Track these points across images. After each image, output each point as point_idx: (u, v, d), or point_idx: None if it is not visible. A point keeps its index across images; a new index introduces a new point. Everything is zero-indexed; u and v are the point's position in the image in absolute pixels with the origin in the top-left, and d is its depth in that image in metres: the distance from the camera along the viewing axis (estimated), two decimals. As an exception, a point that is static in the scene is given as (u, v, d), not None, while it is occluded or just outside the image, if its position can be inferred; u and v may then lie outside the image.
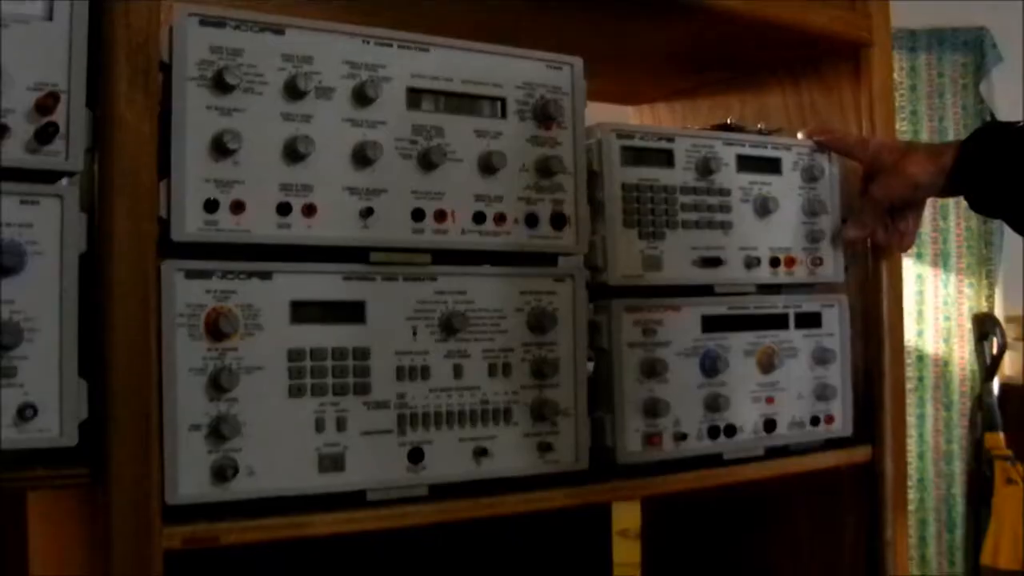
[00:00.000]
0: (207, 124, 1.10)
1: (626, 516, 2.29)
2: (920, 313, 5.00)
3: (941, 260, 4.98)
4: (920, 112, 4.99)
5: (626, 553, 2.28)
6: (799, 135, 1.62)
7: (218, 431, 1.09)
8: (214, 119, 1.11)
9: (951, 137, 5.00)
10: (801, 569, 1.79)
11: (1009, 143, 1.43)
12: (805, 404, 1.55)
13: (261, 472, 1.12)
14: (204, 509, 1.09)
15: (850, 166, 1.65)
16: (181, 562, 1.07)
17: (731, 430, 1.47)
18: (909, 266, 4.81)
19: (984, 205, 1.50)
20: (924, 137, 4.96)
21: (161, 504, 1.05)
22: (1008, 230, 4.74)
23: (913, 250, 4.88)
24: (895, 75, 4.87)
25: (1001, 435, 4.09)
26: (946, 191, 1.51)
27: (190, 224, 1.09)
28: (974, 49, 5.02)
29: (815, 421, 1.57)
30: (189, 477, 1.08)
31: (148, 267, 1.05)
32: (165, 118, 1.08)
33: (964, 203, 4.68)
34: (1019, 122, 1.45)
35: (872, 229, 1.60)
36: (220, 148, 1.10)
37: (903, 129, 4.87)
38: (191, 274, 1.09)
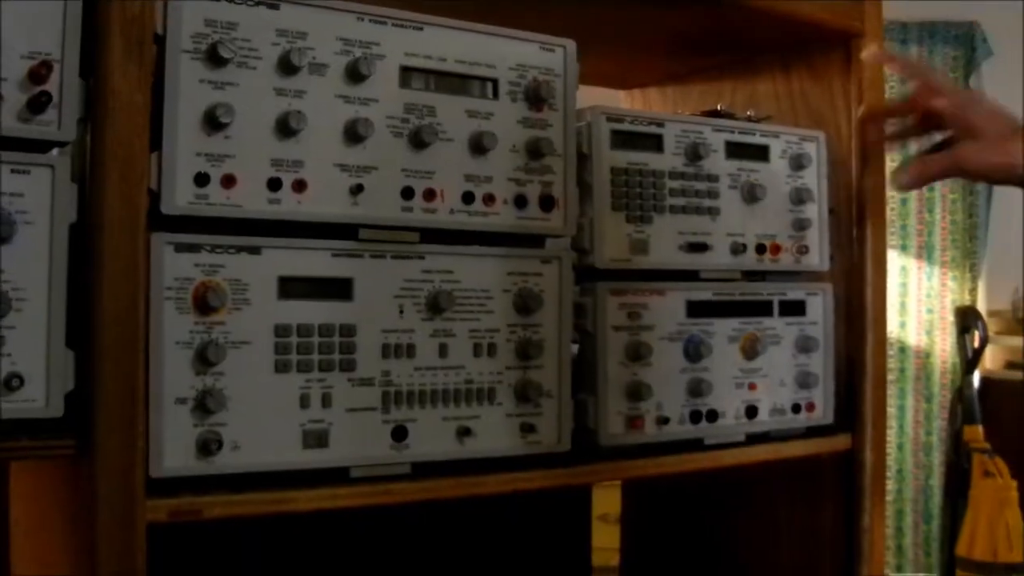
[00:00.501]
0: (200, 97, 1.10)
1: (606, 501, 2.30)
2: (903, 305, 5.02)
3: (926, 253, 5.00)
4: (909, 105, 5.00)
5: (606, 538, 2.29)
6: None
7: (204, 405, 1.10)
8: (207, 92, 1.11)
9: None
10: (779, 555, 1.80)
11: None
12: (787, 391, 1.56)
13: (246, 447, 1.12)
14: (188, 482, 1.09)
15: (838, 156, 1.66)
16: (164, 536, 1.07)
17: (713, 415, 1.48)
18: (893, 258, 4.83)
19: None
20: (912, 129, 4.97)
21: (146, 477, 1.05)
22: (993, 224, 4.73)
23: (898, 242, 4.91)
24: (886, 67, 4.89)
25: (980, 428, 4.08)
26: None
27: (180, 197, 1.09)
28: (965, 43, 5.04)
29: (796, 408, 1.58)
30: (174, 450, 1.09)
31: (138, 239, 1.05)
32: (158, 90, 1.08)
33: (951, 196, 4.65)
34: None
35: (929, 180, 1.53)
36: (212, 122, 1.10)
37: (892, 120, 4.87)
38: (180, 247, 1.09)
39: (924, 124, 1.56)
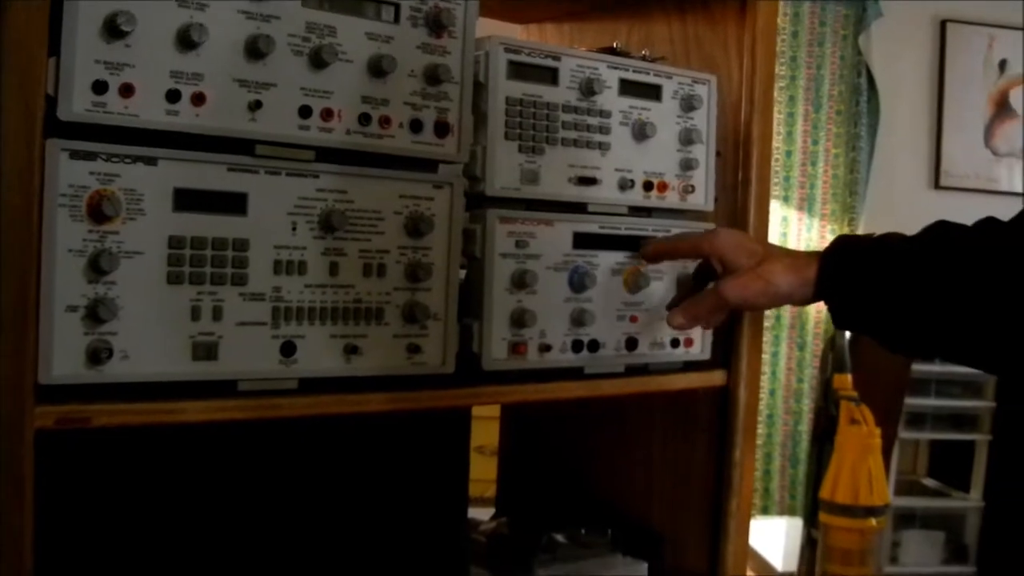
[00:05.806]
0: (100, 4, 1.09)
1: (484, 433, 2.33)
2: (782, 254, 5.11)
3: (807, 205, 5.10)
4: (800, 59, 5.09)
5: (483, 470, 2.32)
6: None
7: (95, 313, 1.10)
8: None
9: (827, 84, 5.11)
10: (654, 483, 1.85)
11: (864, 261, 1.35)
12: (667, 326, 1.59)
13: (135, 356, 1.13)
14: (77, 390, 1.10)
15: (728, 101, 1.70)
16: (56, 447, 1.08)
17: (594, 345, 1.51)
18: (775, 208, 4.91)
19: (847, 322, 1.40)
20: (802, 83, 5.07)
21: (35, 383, 1.06)
22: (873, 181, 4.82)
23: (780, 193, 4.99)
24: (778, 20, 4.95)
25: (849, 377, 4.24)
26: (812, 300, 1.42)
27: (77, 104, 1.09)
28: (856, 2, 5.12)
29: (675, 343, 1.61)
30: (64, 358, 1.09)
31: (33, 145, 1.05)
32: (58, -5, 1.07)
33: (834, 151, 4.73)
34: (871, 235, 1.39)
35: (705, 321, 1.54)
36: (112, 30, 1.09)
37: (782, 73, 4.95)
38: (76, 155, 1.09)
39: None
